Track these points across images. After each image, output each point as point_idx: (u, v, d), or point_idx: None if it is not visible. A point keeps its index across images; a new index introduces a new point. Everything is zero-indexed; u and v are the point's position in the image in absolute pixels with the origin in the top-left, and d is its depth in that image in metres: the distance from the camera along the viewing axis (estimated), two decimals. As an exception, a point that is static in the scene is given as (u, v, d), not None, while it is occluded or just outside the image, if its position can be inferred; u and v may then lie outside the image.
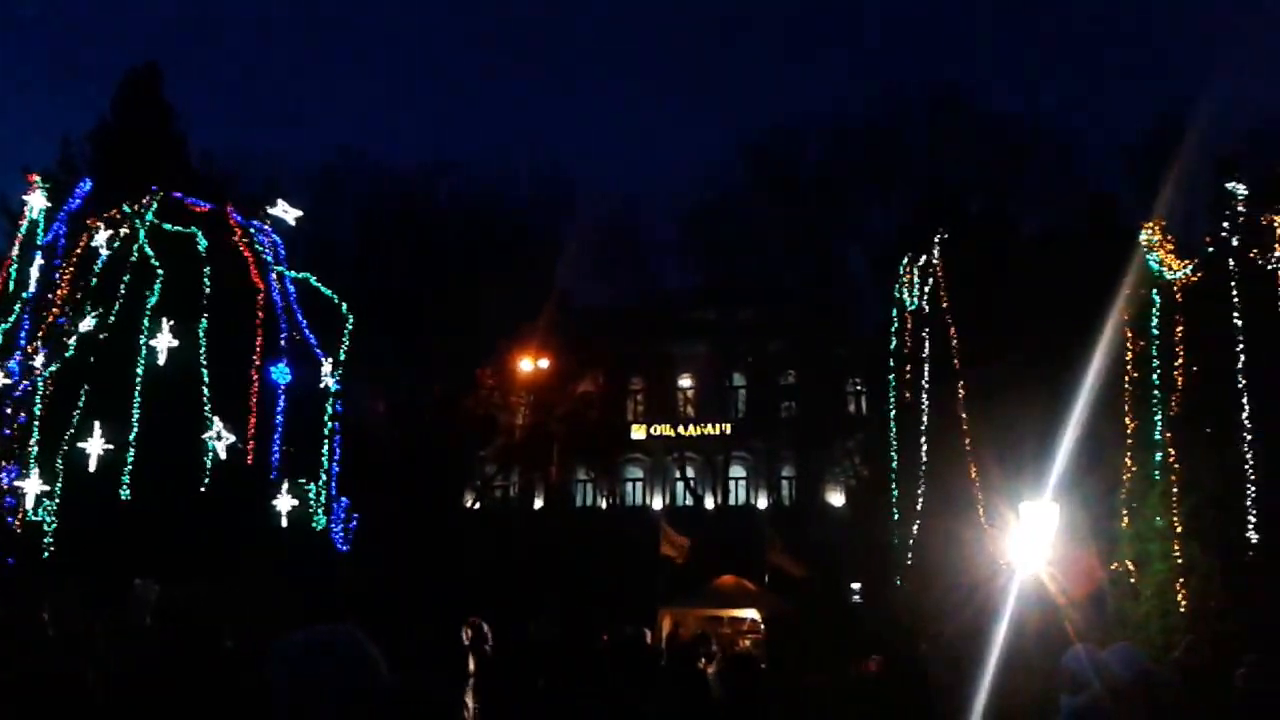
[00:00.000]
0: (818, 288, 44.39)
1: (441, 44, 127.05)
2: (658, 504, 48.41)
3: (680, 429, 47.91)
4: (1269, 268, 20.95)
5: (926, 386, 24.37)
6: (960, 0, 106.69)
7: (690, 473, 48.10)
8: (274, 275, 22.78)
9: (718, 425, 47.53)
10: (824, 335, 43.10)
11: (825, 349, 43.21)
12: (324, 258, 33.10)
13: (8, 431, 20.10)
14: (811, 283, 44.63)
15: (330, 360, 23.12)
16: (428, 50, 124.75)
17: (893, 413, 25.77)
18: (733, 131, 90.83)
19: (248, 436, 21.24)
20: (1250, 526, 19.65)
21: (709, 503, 47.09)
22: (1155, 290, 21.09)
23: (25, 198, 22.15)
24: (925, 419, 24.28)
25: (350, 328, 23.60)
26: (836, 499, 45.89)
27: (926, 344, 24.60)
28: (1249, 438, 20.06)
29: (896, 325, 25.87)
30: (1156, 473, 20.16)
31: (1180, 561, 19.57)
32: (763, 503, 47.73)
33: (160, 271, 21.02)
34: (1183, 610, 19.32)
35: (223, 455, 20.84)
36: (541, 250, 43.15)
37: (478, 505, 43.78)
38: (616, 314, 44.92)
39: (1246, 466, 19.92)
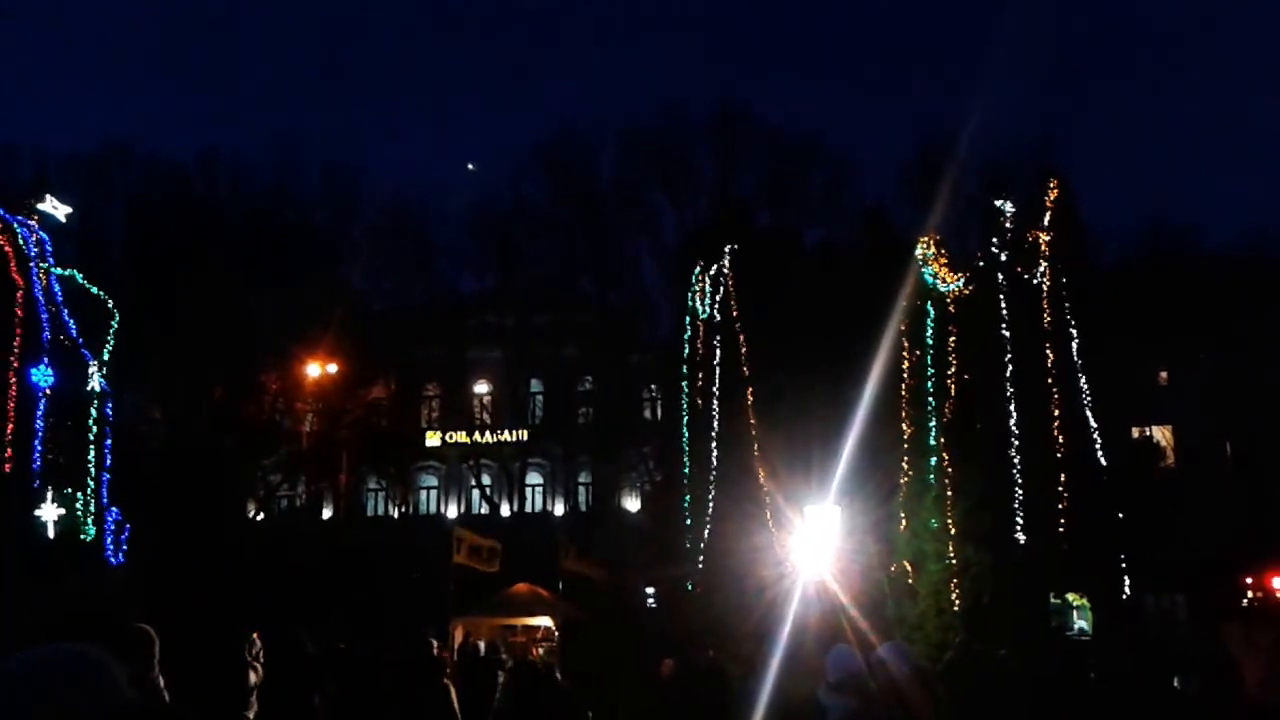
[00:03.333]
0: (612, 293, 44.74)
1: (224, 33, 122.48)
2: (452, 512, 47.77)
3: (476, 436, 47.35)
4: (1034, 282, 22.17)
5: (717, 393, 24.79)
6: (747, 14, 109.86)
7: (486, 480, 47.61)
8: (38, 272, 21.34)
9: (514, 432, 47.16)
10: (619, 341, 43.42)
11: (620, 355, 43.51)
12: (94, 254, 31.22)
13: None
14: (606, 288, 44.94)
15: (97, 361, 21.81)
16: (211, 40, 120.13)
17: (685, 419, 26.10)
18: (527, 135, 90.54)
19: (4, 442, 19.83)
20: (1018, 527, 20.72)
21: (505, 510, 46.70)
22: (930, 302, 22.00)
23: None
24: (716, 425, 24.68)
25: (117, 326, 22.30)
26: (632, 505, 46.24)
27: (717, 351, 25.03)
28: (1016, 443, 21.16)
29: (689, 333, 26.24)
30: (931, 476, 21.02)
31: (954, 562, 20.43)
32: (560, 509, 47.67)
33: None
34: (957, 609, 20.18)
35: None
36: (329, 250, 41.97)
37: (261, 516, 42.16)
38: (409, 318, 44.07)
39: (1014, 470, 21.00)
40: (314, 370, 34.40)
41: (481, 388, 49.01)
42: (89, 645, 3.00)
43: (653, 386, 44.79)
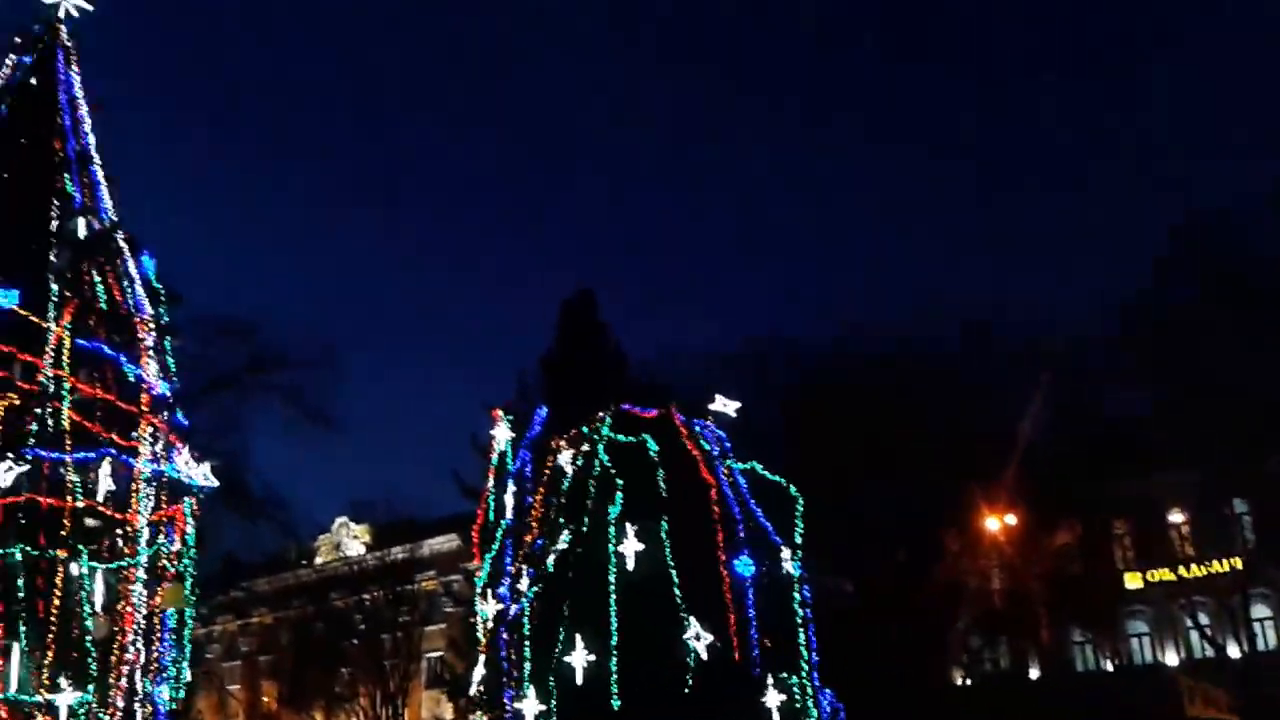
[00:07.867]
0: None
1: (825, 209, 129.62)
2: (1171, 659, 43.62)
3: (1181, 571, 43.16)
4: None
5: None
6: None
7: (1203, 619, 42.94)
8: (723, 469, 22.94)
9: (1225, 561, 42.48)
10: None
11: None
12: (756, 441, 33.09)
13: (503, 655, 21.09)
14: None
15: (788, 546, 22.75)
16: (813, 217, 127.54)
17: None
18: (1156, 232, 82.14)
19: (729, 633, 21.08)
20: None
21: (1233, 651, 41.59)
22: None
23: (492, 432, 23.95)
24: None
25: (802, 509, 23.19)
26: None
27: None
28: None
29: None
30: None
31: None
32: (1302, 645, 41.63)
33: (619, 481, 21.71)
34: None
35: (703, 655, 20.76)
36: (980, 399, 41.11)
37: (968, 681, 41.21)
38: (1077, 452, 41.56)
39: None
40: (993, 523, 33.44)
41: (1176, 517, 44.89)
42: None
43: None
